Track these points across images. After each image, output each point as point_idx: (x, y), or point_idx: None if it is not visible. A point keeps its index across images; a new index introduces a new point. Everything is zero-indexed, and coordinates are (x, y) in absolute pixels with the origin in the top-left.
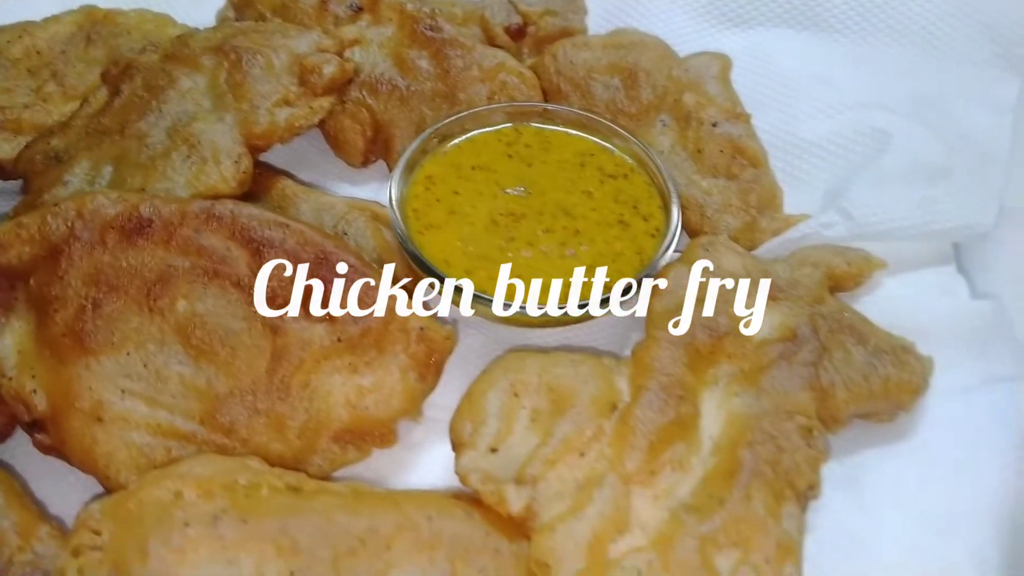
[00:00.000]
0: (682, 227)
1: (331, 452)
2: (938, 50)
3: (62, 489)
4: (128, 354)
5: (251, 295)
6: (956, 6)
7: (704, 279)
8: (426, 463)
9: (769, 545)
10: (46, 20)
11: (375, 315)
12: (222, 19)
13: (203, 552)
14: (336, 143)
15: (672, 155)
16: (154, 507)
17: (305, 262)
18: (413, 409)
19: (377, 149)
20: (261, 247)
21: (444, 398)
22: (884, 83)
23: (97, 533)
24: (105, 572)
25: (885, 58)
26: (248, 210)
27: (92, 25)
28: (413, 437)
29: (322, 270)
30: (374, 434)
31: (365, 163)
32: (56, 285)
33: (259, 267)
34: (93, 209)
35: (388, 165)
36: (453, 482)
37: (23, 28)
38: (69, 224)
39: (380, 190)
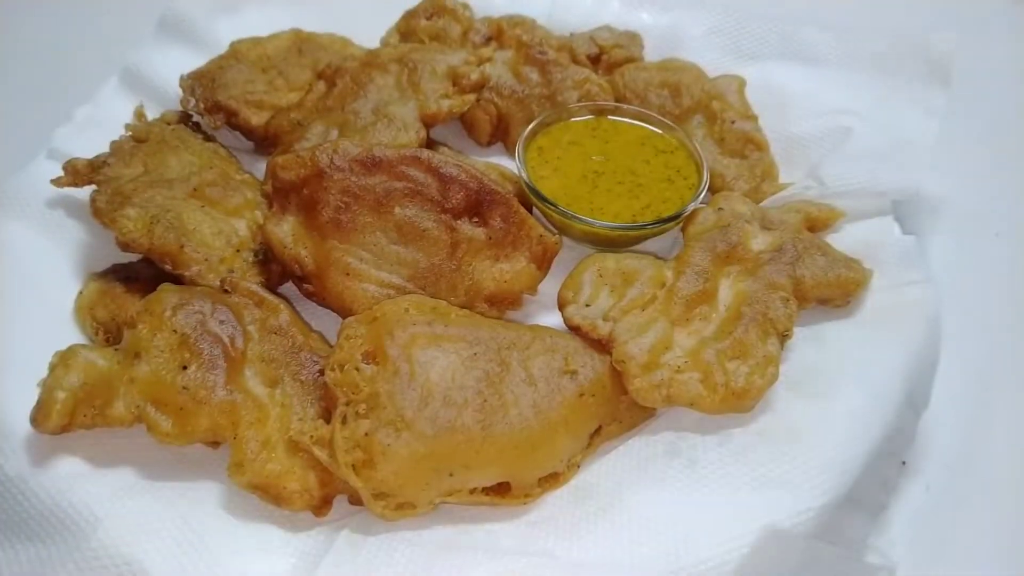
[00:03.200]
0: (709, 188)
1: (483, 308)
2: (891, 73)
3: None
4: (364, 236)
5: (439, 207)
6: (902, 40)
7: (723, 216)
8: (534, 321)
9: (759, 355)
10: (269, 36)
11: (511, 224)
12: (385, 43)
13: (422, 340)
14: (470, 127)
15: (704, 141)
16: (392, 315)
17: (472, 188)
18: (532, 287)
19: (498, 134)
20: (446, 178)
21: (545, 285)
22: (852, 96)
23: (356, 332)
24: (361, 349)
25: (854, 79)
26: (439, 156)
27: (300, 42)
28: (528, 307)
29: (481, 194)
30: (507, 300)
31: (489, 144)
32: (322, 193)
33: (445, 190)
34: (344, 148)
35: (506, 146)
36: None
37: (256, 41)
38: (330, 156)
39: (500, 161)
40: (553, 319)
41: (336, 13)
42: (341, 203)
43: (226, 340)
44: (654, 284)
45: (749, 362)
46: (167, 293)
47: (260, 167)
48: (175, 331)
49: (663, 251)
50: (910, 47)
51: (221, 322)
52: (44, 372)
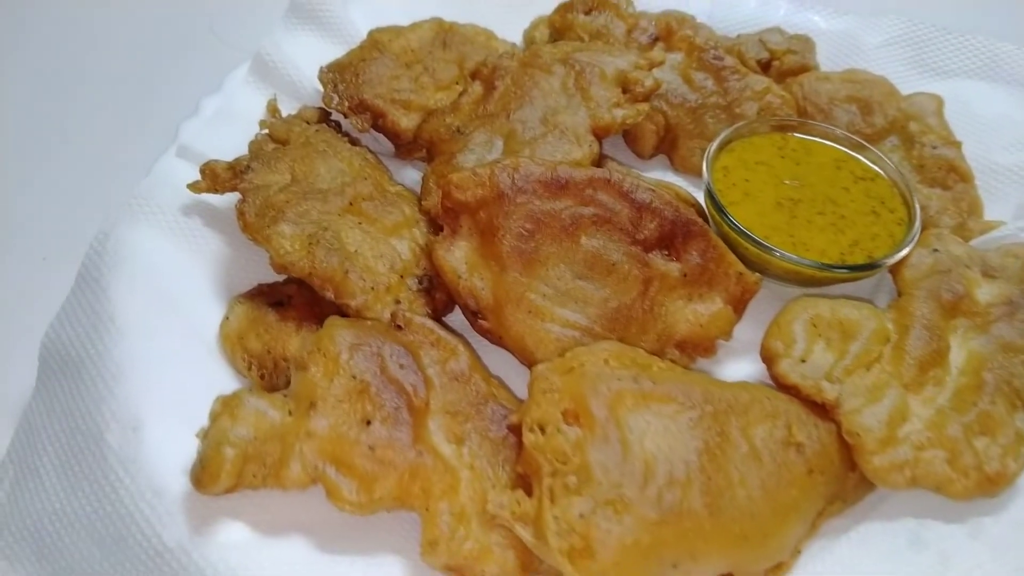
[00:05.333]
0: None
1: (673, 355)
2: None
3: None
4: (548, 269)
5: (630, 238)
6: None
7: (940, 259)
8: (729, 374)
9: (1009, 434)
10: (411, 25)
11: (709, 260)
12: (530, 39)
13: (630, 401)
14: (633, 138)
15: (899, 167)
16: (592, 365)
17: (667, 218)
18: (727, 332)
19: (663, 147)
20: (638, 204)
21: (738, 330)
22: None
23: (552, 385)
24: (560, 407)
25: None
26: (631, 179)
27: (444, 32)
28: (719, 353)
29: (677, 225)
30: (700, 346)
31: (652, 156)
32: (503, 217)
33: (637, 218)
34: (526, 168)
35: (670, 159)
36: None
37: (396, 31)
38: (511, 177)
39: (663, 177)
40: (747, 369)
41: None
42: (524, 230)
43: (409, 389)
44: (878, 340)
45: (1000, 441)
46: (340, 329)
47: (406, 174)
48: (354, 377)
49: (862, 291)
50: None
51: (401, 366)
52: (194, 415)
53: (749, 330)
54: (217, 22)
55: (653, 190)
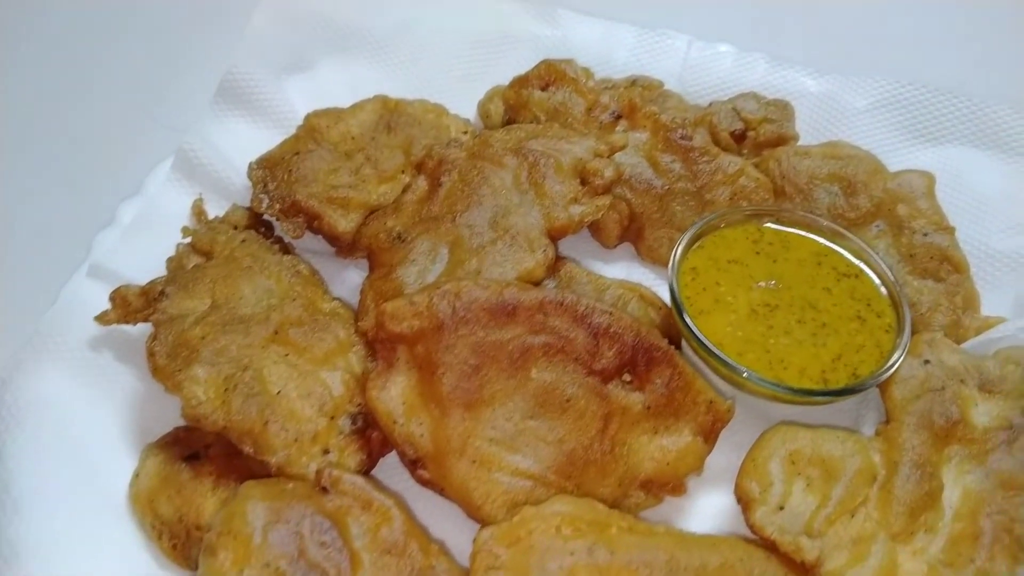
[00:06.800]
0: None
1: (638, 497)
2: None
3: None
4: (495, 409)
5: (586, 368)
6: None
7: (932, 372)
8: (701, 509)
9: None
10: (352, 108)
11: (675, 389)
12: (485, 113)
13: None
14: (596, 228)
15: (886, 256)
16: (542, 537)
17: (627, 342)
18: (699, 466)
19: (628, 235)
20: (595, 330)
21: (711, 456)
22: None
23: (496, 561)
24: None
25: None
26: (586, 300)
27: (389, 113)
28: (690, 488)
29: (637, 350)
30: (668, 485)
31: (616, 245)
32: (442, 352)
33: (594, 345)
34: (469, 293)
35: (637, 249)
36: (723, 526)
37: (336, 115)
38: (452, 305)
39: (628, 268)
40: (721, 502)
41: (425, 67)
42: (467, 366)
43: (332, 573)
44: (863, 481)
45: None
46: (252, 503)
47: (348, 276)
48: (267, 565)
49: (849, 415)
50: None
51: (324, 544)
52: None
53: (723, 455)
54: (160, 103)
55: (611, 312)
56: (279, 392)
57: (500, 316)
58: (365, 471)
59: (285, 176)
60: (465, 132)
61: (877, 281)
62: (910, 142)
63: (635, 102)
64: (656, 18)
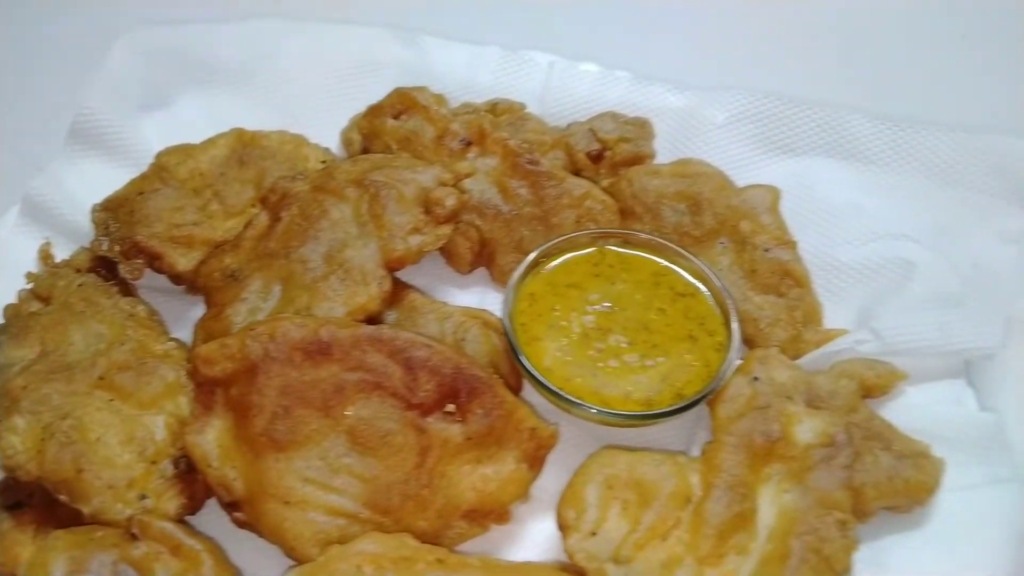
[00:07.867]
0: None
1: (460, 527)
2: (955, 183)
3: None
4: (309, 450)
5: (404, 403)
6: (972, 144)
7: (760, 389)
8: (531, 535)
9: None
10: (204, 143)
11: (496, 418)
12: (348, 142)
13: None
14: (448, 255)
15: (729, 273)
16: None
17: (446, 375)
18: (523, 493)
19: (481, 260)
20: (412, 364)
21: (542, 480)
22: (909, 213)
23: None
24: None
25: (910, 188)
26: (404, 335)
27: (243, 147)
28: (518, 514)
29: (456, 382)
30: (493, 514)
31: (470, 271)
32: (255, 395)
33: (412, 380)
34: (283, 333)
35: (491, 273)
36: (552, 553)
37: (186, 151)
38: (264, 346)
39: (483, 293)
40: (551, 527)
41: (289, 98)
42: (279, 408)
43: None
44: (676, 504)
45: None
46: (54, 555)
47: (197, 315)
48: None
49: (681, 436)
50: (979, 149)
51: None
52: None
53: (557, 480)
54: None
55: (431, 345)
56: (97, 439)
57: (315, 355)
58: (189, 514)
59: (127, 217)
60: (324, 162)
61: (712, 300)
62: (765, 155)
63: (485, 128)
64: (536, 40)
